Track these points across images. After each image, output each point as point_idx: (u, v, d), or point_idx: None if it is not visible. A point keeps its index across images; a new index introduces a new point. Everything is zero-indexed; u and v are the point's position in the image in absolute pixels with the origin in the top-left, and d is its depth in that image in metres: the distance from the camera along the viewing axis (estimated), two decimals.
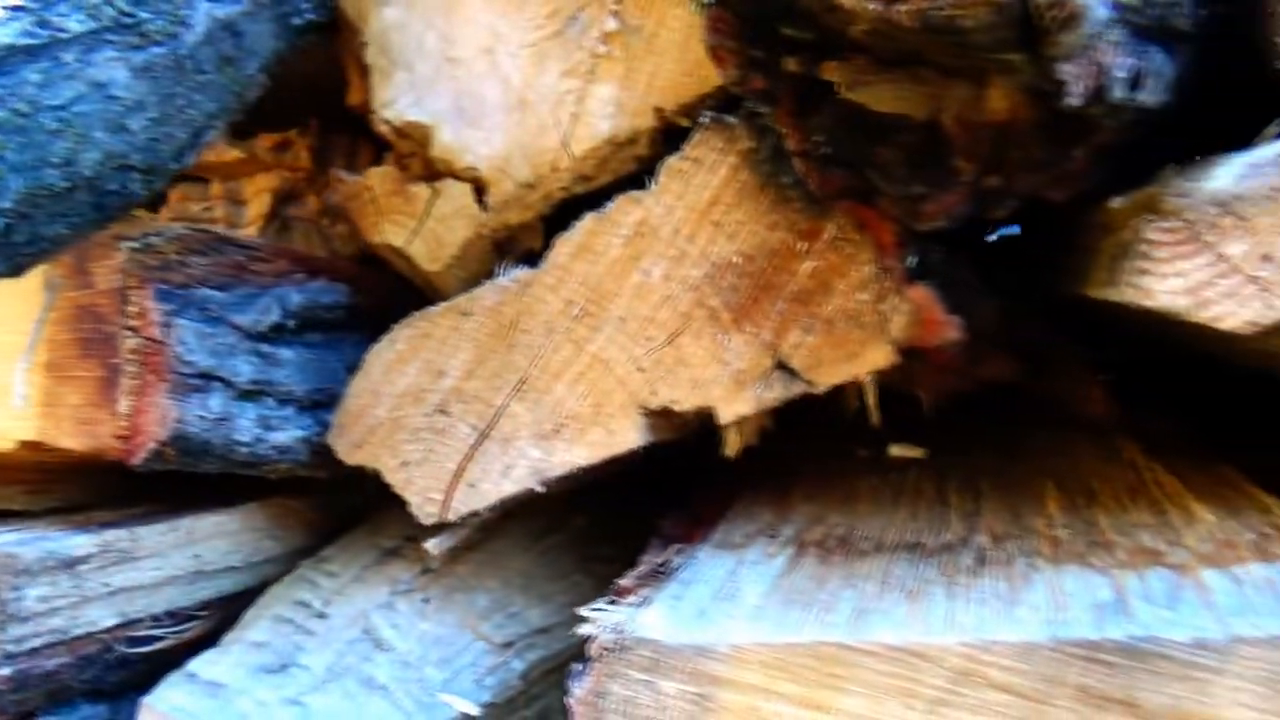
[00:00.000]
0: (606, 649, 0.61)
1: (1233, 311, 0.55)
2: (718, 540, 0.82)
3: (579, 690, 0.62)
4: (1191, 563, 0.60)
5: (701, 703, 0.59)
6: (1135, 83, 0.53)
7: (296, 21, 0.80)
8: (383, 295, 1.01)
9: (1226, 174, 0.56)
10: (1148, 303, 0.57)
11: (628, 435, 0.75)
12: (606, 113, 0.80)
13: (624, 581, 0.70)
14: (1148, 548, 0.64)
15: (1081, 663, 0.52)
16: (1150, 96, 0.55)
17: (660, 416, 0.75)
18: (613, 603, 0.65)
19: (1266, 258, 0.54)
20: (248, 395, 0.82)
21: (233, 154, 1.19)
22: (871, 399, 0.90)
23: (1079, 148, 0.64)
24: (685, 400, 0.74)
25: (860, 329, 0.70)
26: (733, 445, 0.87)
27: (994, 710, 0.53)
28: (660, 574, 0.72)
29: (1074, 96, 0.51)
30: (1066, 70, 0.49)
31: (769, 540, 0.80)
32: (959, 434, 1.02)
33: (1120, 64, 0.52)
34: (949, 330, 0.68)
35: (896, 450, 1.00)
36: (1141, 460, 0.85)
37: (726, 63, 0.63)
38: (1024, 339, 1.10)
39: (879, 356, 0.69)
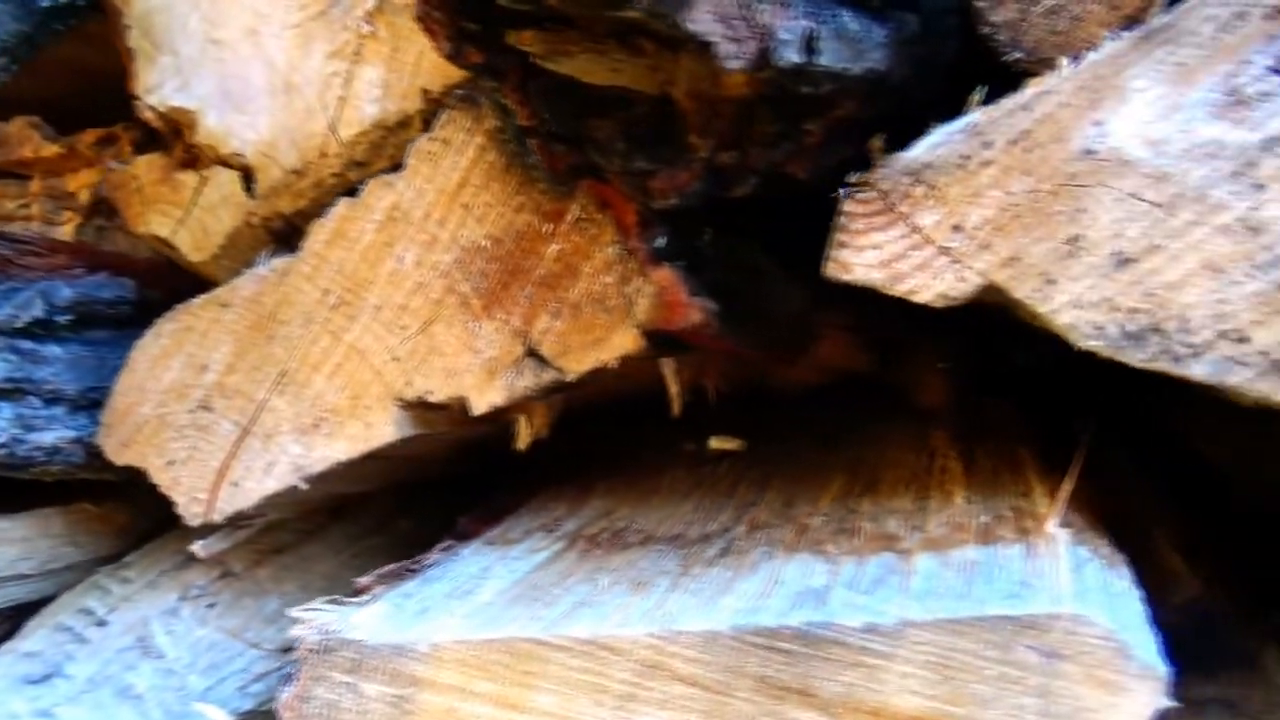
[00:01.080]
0: (312, 650, 0.58)
1: (926, 284, 0.53)
2: (493, 536, 0.79)
3: (285, 694, 0.59)
4: (915, 547, 0.58)
5: (401, 705, 0.56)
6: (809, 47, 0.51)
7: (44, 3, 0.76)
8: (184, 290, 0.97)
9: (923, 143, 0.54)
10: (846, 276, 0.54)
11: (384, 429, 0.72)
12: (373, 95, 0.77)
13: (363, 580, 0.67)
14: (888, 534, 0.62)
15: (762, 652, 0.50)
16: (838, 62, 0.53)
17: (417, 408, 0.73)
18: (334, 602, 0.63)
19: (957, 228, 0.52)
20: (3, 394, 0.78)
21: (53, 149, 1.15)
22: (674, 388, 0.88)
23: (813, 121, 0.62)
24: (440, 391, 0.71)
25: (606, 313, 0.67)
26: (523, 438, 0.84)
27: (679, 704, 0.51)
28: (409, 572, 0.70)
29: (730, 59, 0.49)
30: (703, 29, 0.47)
31: (545, 535, 0.77)
32: (791, 425, 1.00)
33: (787, 26, 0.50)
34: (693, 313, 0.65)
35: (715, 443, 0.98)
36: (942, 447, 0.83)
37: (437, 35, 0.60)
38: (877, 328, 1.08)
39: (626, 341, 0.67)
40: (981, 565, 0.53)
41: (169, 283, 0.98)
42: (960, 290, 0.52)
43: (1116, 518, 0.80)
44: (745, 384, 1.10)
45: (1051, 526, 0.56)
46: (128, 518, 1.04)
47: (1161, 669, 0.44)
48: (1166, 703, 0.44)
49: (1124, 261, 0.50)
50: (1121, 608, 0.48)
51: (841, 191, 0.55)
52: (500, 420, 0.84)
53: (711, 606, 0.54)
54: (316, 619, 0.60)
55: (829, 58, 0.52)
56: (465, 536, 0.83)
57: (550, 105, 0.60)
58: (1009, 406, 0.97)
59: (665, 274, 0.66)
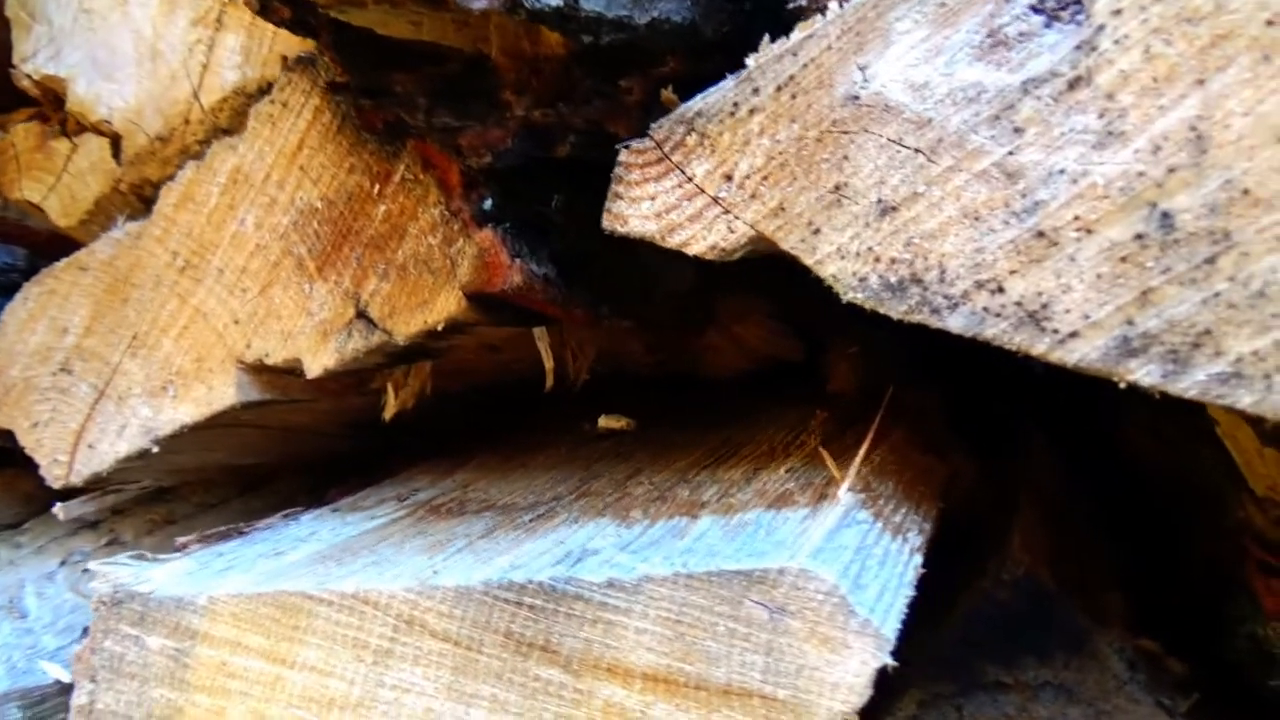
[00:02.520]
0: (103, 603, 0.58)
1: (699, 236, 0.52)
2: (343, 503, 0.79)
3: (78, 647, 0.59)
4: (708, 512, 0.56)
5: (179, 658, 0.56)
6: None
7: None
8: None
9: (703, 93, 0.52)
10: (622, 229, 0.53)
11: (225, 391, 0.72)
12: (234, 62, 0.78)
13: (184, 539, 0.67)
14: (698, 501, 0.60)
15: (509, 607, 0.48)
16: (610, 9, 0.52)
17: (257, 371, 0.72)
18: (139, 558, 0.63)
19: (728, 177, 0.51)
20: None
21: None
22: (548, 362, 0.87)
23: (632, 79, 0.61)
24: (276, 353, 0.71)
25: (431, 275, 0.66)
26: (390, 408, 0.84)
27: (432, 659, 0.50)
28: (238, 533, 0.69)
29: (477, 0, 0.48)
30: None
31: (396, 503, 0.77)
32: (699, 409, 0.99)
33: None
34: (514, 275, 0.64)
35: (604, 422, 0.96)
36: (814, 427, 0.82)
37: None
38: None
39: (450, 304, 0.66)
40: (751, 526, 0.51)
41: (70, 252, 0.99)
42: (731, 241, 0.51)
43: (993, 500, 0.78)
44: (662, 367, 1.08)
45: (842, 492, 0.54)
46: (32, 485, 1.06)
47: (883, 628, 0.42)
48: (887, 661, 0.42)
49: (886, 210, 0.48)
50: (874, 570, 0.46)
51: (620, 144, 0.53)
52: (368, 390, 0.84)
53: (483, 565, 0.53)
54: (114, 573, 0.60)
55: (594, 2, 0.51)
56: (325, 504, 0.83)
57: (352, 59, 0.60)
58: (932, 397, 0.95)
59: (487, 235, 0.65)
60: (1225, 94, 0.42)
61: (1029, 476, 0.83)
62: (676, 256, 0.86)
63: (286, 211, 0.70)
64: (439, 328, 0.67)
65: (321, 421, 0.90)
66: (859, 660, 0.42)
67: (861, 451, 0.58)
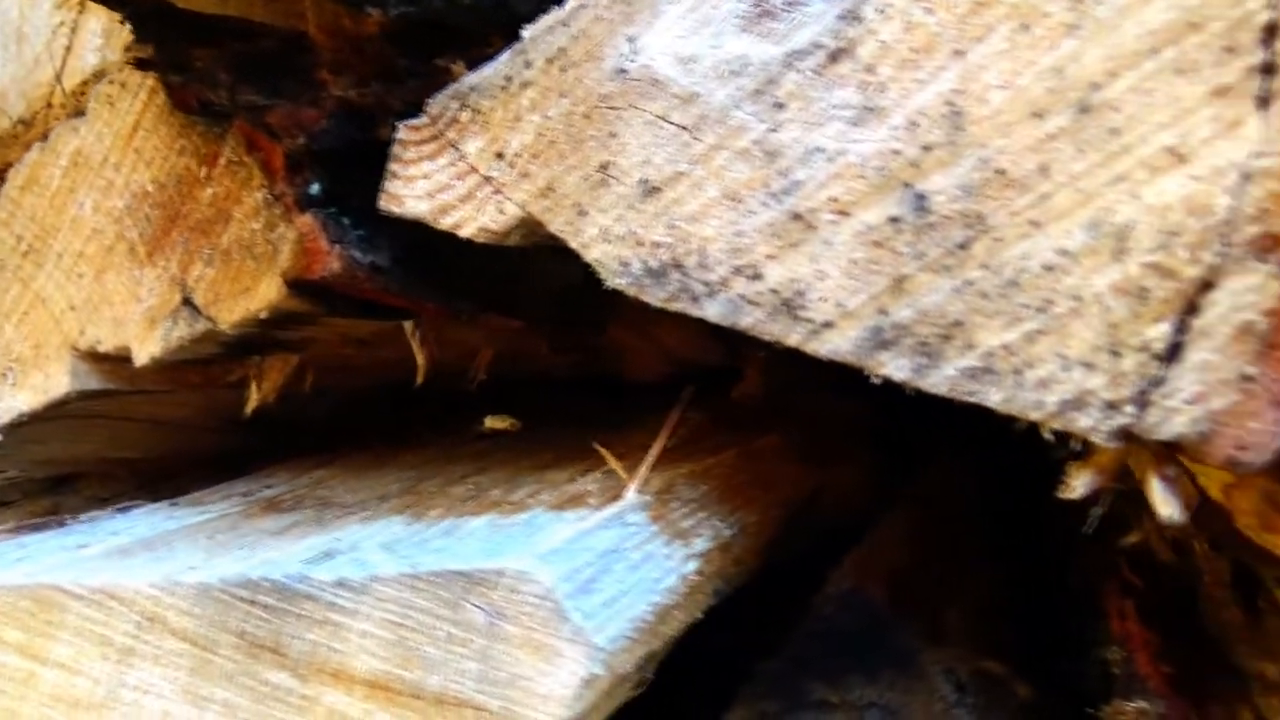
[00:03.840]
0: None
1: (470, 217, 0.49)
2: (189, 498, 0.76)
3: None
4: (497, 512, 0.53)
5: None
6: None
7: None
8: None
9: (480, 68, 0.49)
10: (397, 210, 0.50)
11: (61, 379, 0.70)
12: (95, 45, 0.76)
13: (3, 527, 0.65)
14: (507, 501, 0.58)
15: (244, 605, 0.46)
16: None
17: (93, 359, 0.70)
18: None
19: (500, 155, 0.48)
20: None
21: None
22: (420, 358, 0.84)
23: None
24: (108, 340, 0.69)
25: (254, 260, 0.64)
26: (251, 402, 0.82)
27: (171, 659, 0.47)
28: (53, 524, 0.67)
29: None
30: None
31: (240, 499, 0.74)
32: (600, 411, 0.96)
33: None
34: (332, 261, 0.62)
35: (490, 422, 0.94)
36: (673, 431, 0.78)
37: None
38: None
39: (271, 291, 0.63)
40: (517, 526, 0.48)
41: None
42: (501, 223, 0.48)
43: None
44: (578, 369, 1.06)
45: (629, 493, 0.51)
46: None
47: (599, 635, 0.39)
48: (598, 672, 0.39)
49: (650, 191, 0.45)
50: (619, 574, 0.43)
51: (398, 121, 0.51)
52: (232, 382, 0.82)
53: (239, 562, 0.50)
54: None
55: None
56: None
57: (155, 34, 0.58)
58: (847, 404, 0.92)
59: (306, 220, 0.63)
60: (983, 66, 0.39)
61: (917, 492, 0.79)
62: (554, 251, 0.84)
63: (122, 195, 0.68)
64: (262, 315, 0.64)
65: (198, 415, 0.88)
66: (569, 670, 0.38)
67: (651, 454, 0.55)
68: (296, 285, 0.64)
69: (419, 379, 0.84)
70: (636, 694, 0.48)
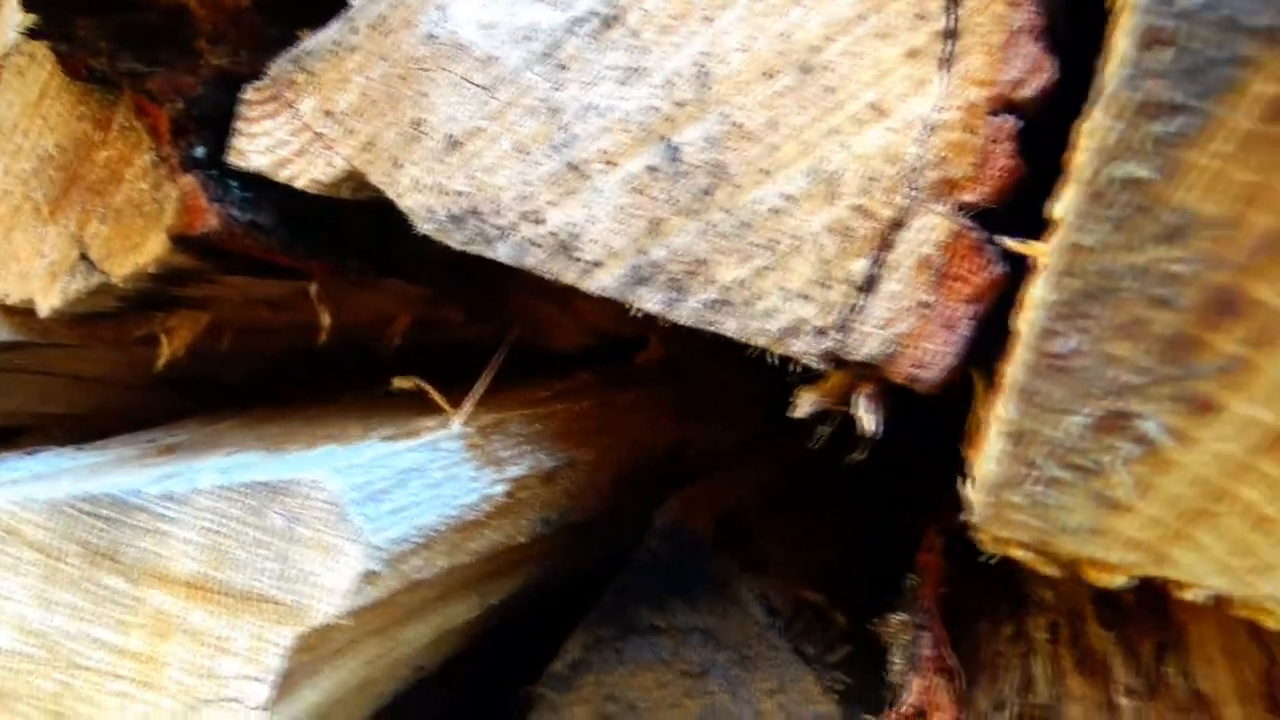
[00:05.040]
0: None
1: (304, 170, 0.54)
2: (98, 444, 0.81)
3: None
4: (336, 442, 0.58)
5: None
6: None
7: None
8: None
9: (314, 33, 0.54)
10: (242, 164, 0.55)
11: None
12: (15, 21, 0.81)
13: None
14: (345, 434, 0.62)
15: (88, 519, 0.50)
16: None
17: (5, 312, 0.75)
18: None
19: (329, 113, 0.53)
20: None
21: None
22: (325, 319, 0.89)
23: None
24: (15, 293, 0.74)
25: (142, 218, 0.69)
26: (162, 358, 0.87)
27: (26, 568, 0.52)
28: None
29: None
30: None
31: (143, 445, 0.79)
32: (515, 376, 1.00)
33: None
34: (210, 219, 0.67)
35: (397, 383, 0.98)
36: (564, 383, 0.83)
37: None
38: None
39: (157, 246, 0.68)
40: (340, 451, 0.53)
41: None
42: (330, 175, 0.53)
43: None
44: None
45: (454, 424, 0.56)
46: None
47: (375, 537, 0.44)
48: (376, 568, 0.44)
49: (453, 144, 0.49)
50: (414, 490, 0.48)
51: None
52: (141, 338, 0.87)
53: (91, 483, 0.55)
54: None
55: None
56: None
57: (42, 5, 0.62)
58: (730, 370, 0.96)
59: (188, 180, 0.67)
60: (727, 31, 0.44)
61: (776, 445, 0.83)
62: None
63: (29, 158, 0.73)
64: (150, 270, 0.69)
65: (117, 371, 0.93)
66: (349, 566, 0.43)
67: (474, 391, 0.59)
68: (180, 241, 0.68)
69: (323, 337, 0.89)
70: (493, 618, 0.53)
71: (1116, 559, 0.29)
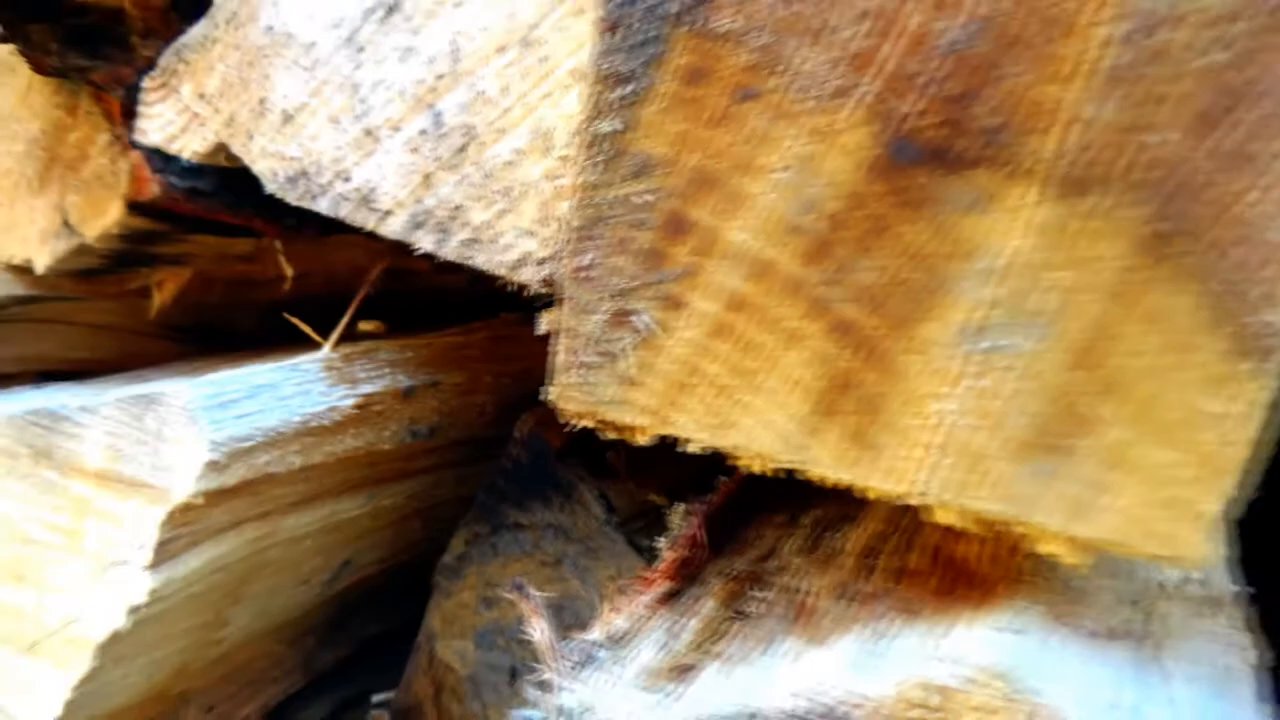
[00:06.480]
0: None
1: (187, 144, 0.65)
2: (97, 379, 0.96)
3: None
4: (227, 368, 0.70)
5: None
6: None
7: None
8: None
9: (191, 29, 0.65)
10: (144, 140, 0.67)
11: None
12: None
13: None
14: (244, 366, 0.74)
15: (34, 428, 0.64)
16: None
17: (12, 270, 0.91)
18: None
19: (202, 95, 0.64)
20: None
21: None
22: (287, 270, 1.01)
23: None
24: (18, 254, 0.89)
25: (105, 188, 0.82)
26: (153, 307, 1.01)
27: None
28: None
29: None
30: None
31: (129, 379, 0.94)
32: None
33: None
34: (152, 186, 0.79)
35: (362, 325, 1.11)
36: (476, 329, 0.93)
37: None
38: None
39: (117, 211, 0.81)
40: (234, 377, 0.65)
41: None
42: (205, 146, 0.64)
43: None
44: (475, 287, 1.21)
45: (322, 351, 0.67)
46: None
47: (216, 434, 0.55)
48: (218, 458, 0.55)
49: (287, 118, 0.60)
50: (264, 397, 0.60)
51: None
52: (136, 290, 1.01)
53: (46, 401, 0.69)
54: None
55: None
56: None
57: (3, 14, 0.75)
58: None
59: (136, 155, 0.80)
60: (473, 13, 0.52)
61: None
62: None
63: (22, 141, 0.87)
64: (114, 231, 0.82)
65: (128, 321, 1.09)
66: (196, 457, 0.55)
67: (343, 320, 0.70)
68: (135, 207, 0.81)
69: (286, 286, 1.02)
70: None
71: (636, 422, 0.37)
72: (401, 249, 1.14)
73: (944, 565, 0.42)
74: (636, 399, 0.37)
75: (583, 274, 0.36)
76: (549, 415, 0.78)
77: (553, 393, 0.39)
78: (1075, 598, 0.38)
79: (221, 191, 0.84)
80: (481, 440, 0.78)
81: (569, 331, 0.38)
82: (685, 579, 0.54)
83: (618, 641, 0.50)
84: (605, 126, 0.34)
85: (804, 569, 0.52)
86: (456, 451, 0.78)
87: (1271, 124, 0.27)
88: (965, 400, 0.32)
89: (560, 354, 0.38)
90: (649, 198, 0.34)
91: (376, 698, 0.85)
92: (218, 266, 0.99)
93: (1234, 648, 0.38)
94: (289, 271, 1.00)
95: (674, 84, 0.33)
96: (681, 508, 0.62)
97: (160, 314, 1.08)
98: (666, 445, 0.82)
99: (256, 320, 1.19)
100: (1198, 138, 0.28)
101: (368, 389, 0.66)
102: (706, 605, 0.51)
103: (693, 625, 0.49)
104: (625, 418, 0.37)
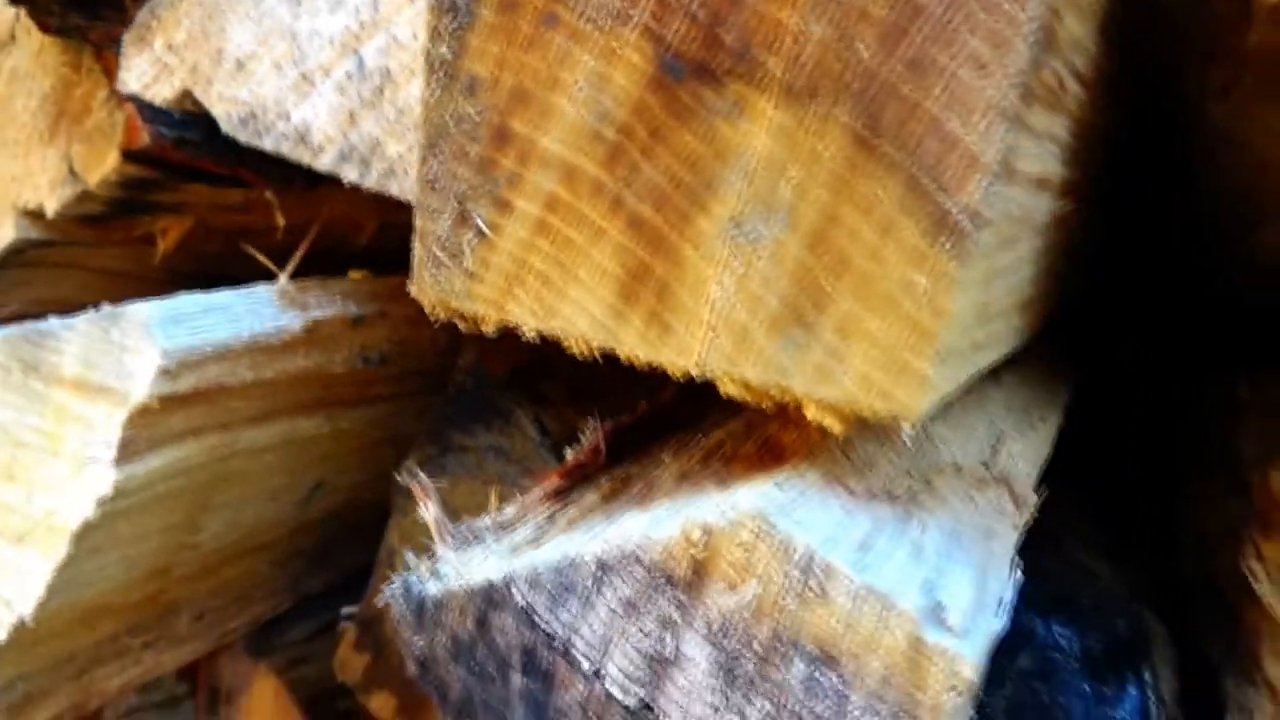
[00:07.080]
0: None
1: (159, 92, 0.72)
2: None
3: None
4: None
5: None
6: None
7: None
8: None
9: None
10: (126, 90, 0.74)
11: (6, 231, 1.00)
12: None
13: None
14: None
15: (25, 345, 0.72)
16: None
17: (27, 215, 0.99)
18: None
19: (170, 47, 0.71)
20: None
21: None
22: (280, 220, 1.09)
23: None
24: (32, 201, 0.97)
25: (104, 139, 0.90)
26: (159, 253, 1.10)
27: None
28: None
29: None
30: None
31: None
32: None
33: None
34: (143, 135, 0.87)
35: (352, 274, 1.18)
36: None
37: None
38: None
39: (113, 159, 0.89)
40: (196, 304, 0.72)
41: None
42: (172, 93, 0.71)
43: None
44: None
45: (280, 281, 0.74)
46: None
47: (167, 344, 0.63)
48: (169, 365, 0.62)
49: (239, 66, 0.66)
50: (213, 319, 0.67)
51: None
52: (139, 236, 1.10)
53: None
54: None
55: None
56: None
57: None
58: None
59: (130, 107, 0.88)
60: None
61: None
62: None
63: (36, 96, 0.96)
64: (112, 178, 0.91)
65: (137, 267, 1.18)
66: (149, 363, 0.63)
67: (300, 249, 0.77)
68: (129, 155, 0.89)
69: (278, 236, 1.09)
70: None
71: (479, 312, 0.43)
72: (390, 203, 1.21)
73: (768, 450, 0.47)
74: (479, 291, 0.42)
75: (431, 182, 0.42)
76: (491, 346, 0.84)
77: (413, 288, 0.45)
78: (858, 467, 0.43)
79: (209, 142, 0.92)
80: (436, 372, 0.85)
81: (422, 233, 0.43)
82: (580, 479, 0.60)
83: (503, 527, 0.56)
84: (441, 51, 0.40)
85: (667, 464, 0.58)
86: (414, 382, 0.84)
87: (941, 36, 0.32)
88: (731, 283, 0.38)
89: (417, 253, 0.44)
90: (478, 113, 0.40)
91: (345, 610, 0.93)
92: (214, 216, 1.07)
93: (1002, 515, 0.42)
94: (281, 222, 1.08)
95: (492, 13, 0.38)
96: (593, 424, 0.68)
97: (165, 260, 1.17)
98: (602, 374, 0.87)
99: (255, 270, 1.27)
100: (890, 48, 0.33)
101: (317, 314, 0.73)
102: (588, 498, 0.57)
103: (570, 513, 0.55)
104: (470, 308, 0.43)
